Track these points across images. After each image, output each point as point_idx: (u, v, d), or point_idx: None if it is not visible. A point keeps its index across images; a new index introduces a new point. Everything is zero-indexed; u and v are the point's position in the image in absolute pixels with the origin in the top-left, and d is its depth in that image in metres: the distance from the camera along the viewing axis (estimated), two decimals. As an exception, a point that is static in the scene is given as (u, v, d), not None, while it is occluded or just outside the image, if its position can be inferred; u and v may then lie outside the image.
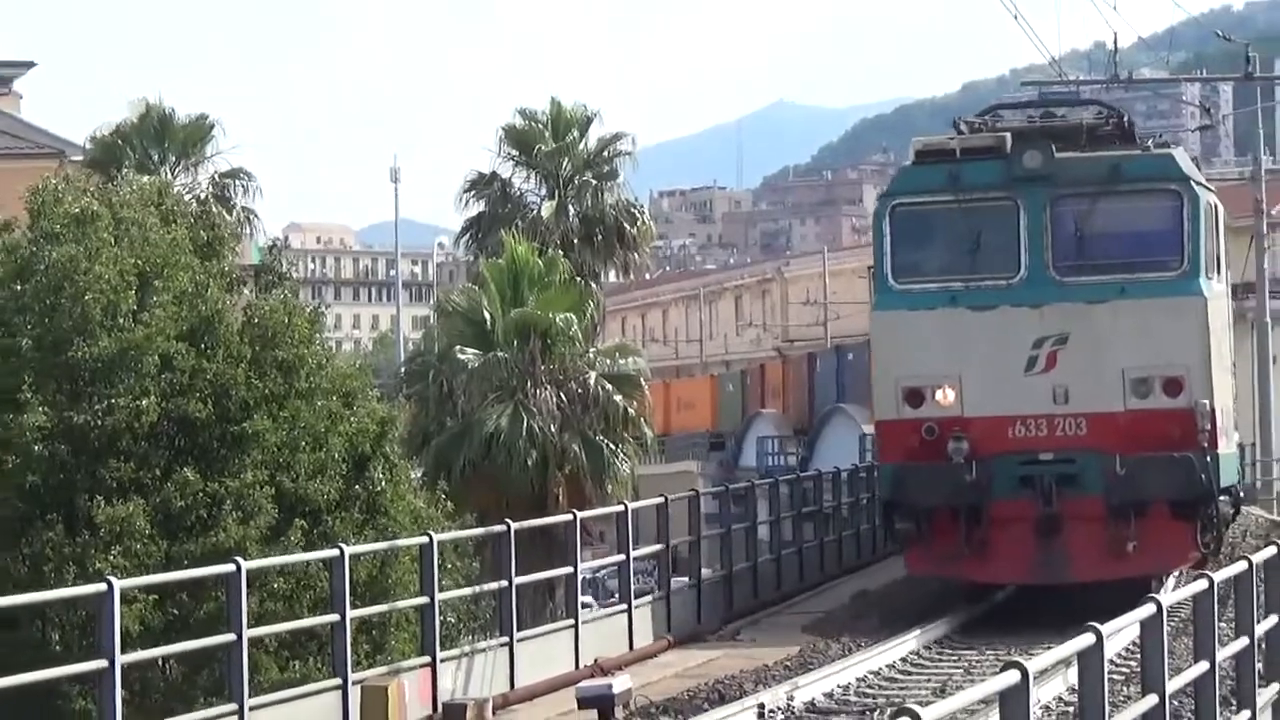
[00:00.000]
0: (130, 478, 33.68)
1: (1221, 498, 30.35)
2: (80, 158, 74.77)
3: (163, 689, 25.65)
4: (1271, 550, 22.15)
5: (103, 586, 21.20)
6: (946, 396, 29.38)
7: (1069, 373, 28.97)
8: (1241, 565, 19.89)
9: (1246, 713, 19.66)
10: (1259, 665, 19.74)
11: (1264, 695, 20.01)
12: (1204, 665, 16.20)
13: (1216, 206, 31.05)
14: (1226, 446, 31.20)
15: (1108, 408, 28.75)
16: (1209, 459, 28.39)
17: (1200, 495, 28.77)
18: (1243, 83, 65.72)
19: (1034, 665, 9.81)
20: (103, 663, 20.55)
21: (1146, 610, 15.48)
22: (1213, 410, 28.35)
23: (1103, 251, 30.09)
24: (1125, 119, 30.44)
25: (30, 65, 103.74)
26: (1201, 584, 18.19)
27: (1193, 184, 28.93)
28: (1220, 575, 18.11)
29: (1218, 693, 18.79)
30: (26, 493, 33.54)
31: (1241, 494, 45.82)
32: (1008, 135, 29.40)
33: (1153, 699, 14.44)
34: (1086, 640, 13.04)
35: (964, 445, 28.58)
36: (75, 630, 25.72)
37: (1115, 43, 48.89)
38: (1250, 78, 62.51)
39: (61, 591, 25.91)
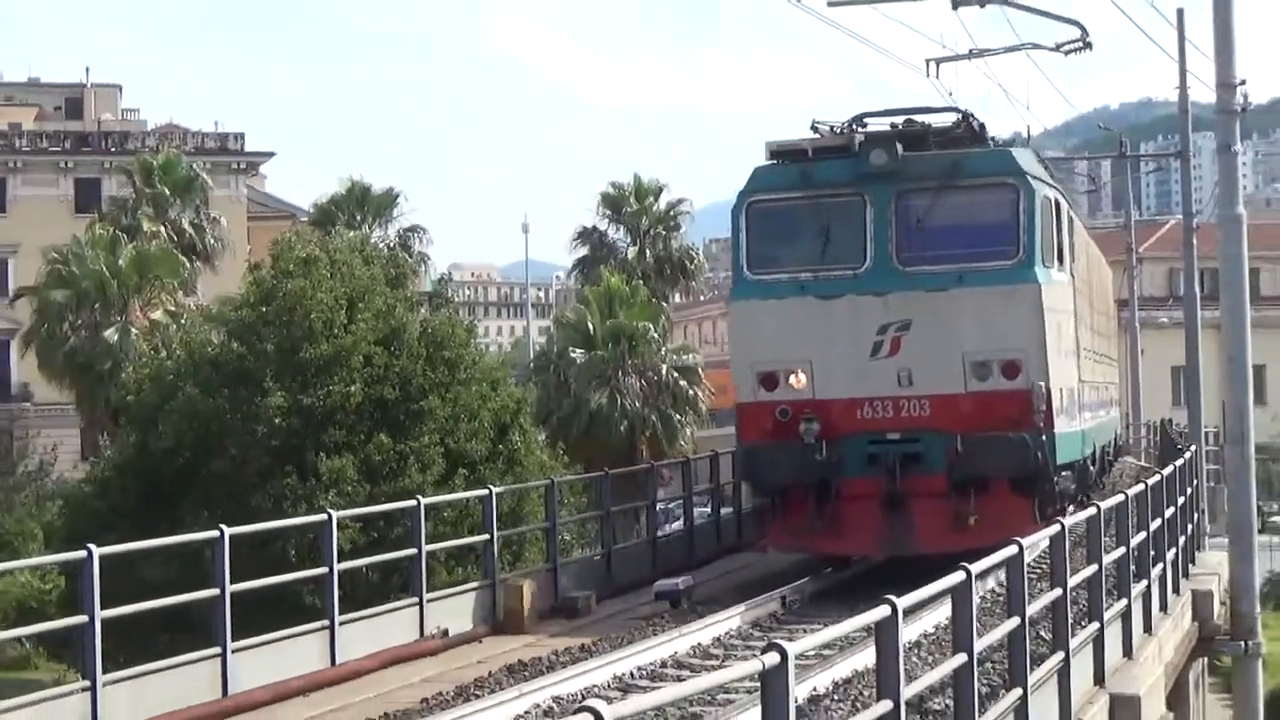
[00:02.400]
0: (343, 441, 34.26)
1: (1064, 473, 25.38)
2: (306, 218, 74.90)
3: (365, 589, 25.80)
4: (1118, 498, 20.72)
5: (324, 517, 21.54)
6: (799, 380, 24.27)
7: (912, 357, 23.91)
8: (1090, 511, 18.76)
9: (1095, 624, 19.40)
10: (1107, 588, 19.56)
11: (1111, 610, 19.77)
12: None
13: (1058, 202, 25.60)
14: (1067, 426, 25.64)
15: (950, 390, 23.78)
16: (1044, 438, 23.72)
17: (1036, 472, 23.94)
18: (1117, 159, 65.69)
19: (795, 648, 8.28)
20: (324, 570, 20.71)
21: (1008, 552, 14.09)
22: (1049, 392, 23.66)
23: (944, 242, 24.54)
24: (976, 123, 25.24)
25: (271, 155, 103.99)
26: (1054, 528, 16.86)
27: (1029, 179, 24.04)
28: (1070, 520, 17.07)
29: (1069, 615, 18.51)
30: (271, 452, 33.99)
31: (1110, 457, 40.94)
32: (857, 136, 24.37)
33: (1014, 620, 13.35)
34: (919, 597, 12.59)
35: (815, 426, 23.71)
36: (306, 549, 25.81)
37: (1028, 132, 47.90)
38: (1122, 155, 63.35)
39: (296, 520, 25.96)
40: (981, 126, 25.16)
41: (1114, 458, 41.51)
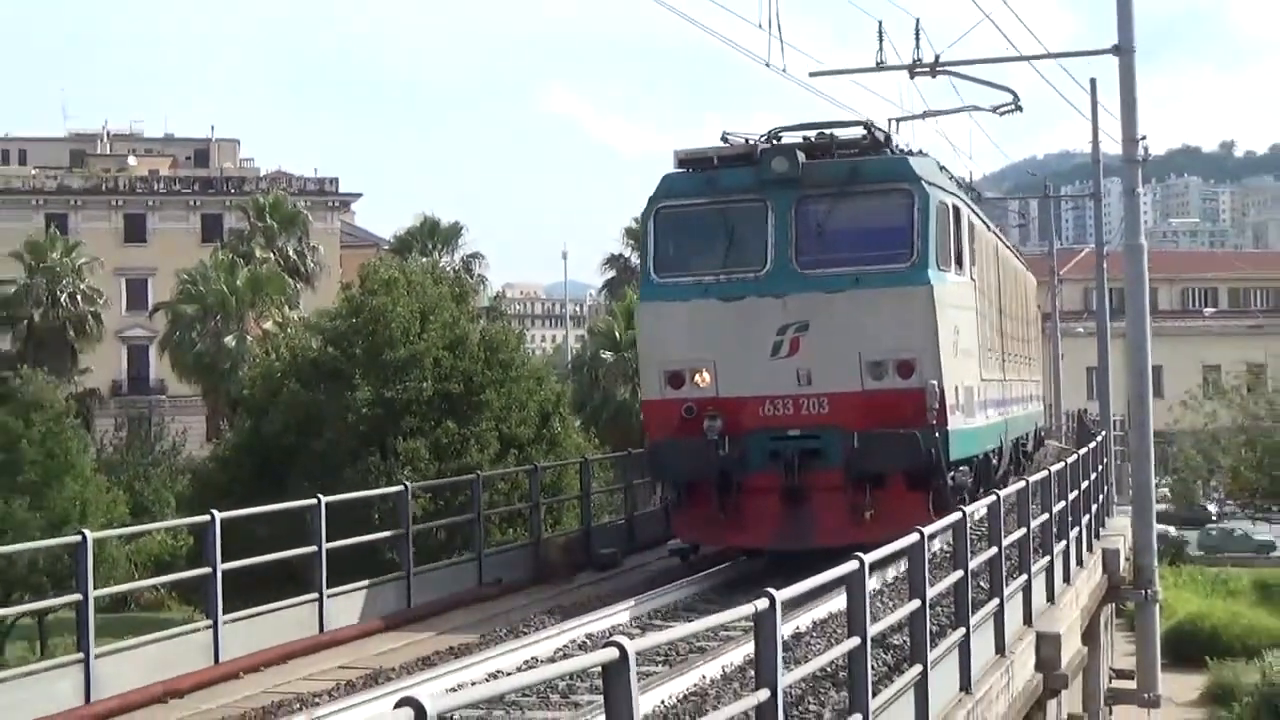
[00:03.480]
0: (416, 427, 34.66)
1: (962, 468, 21.97)
2: (388, 247, 75.12)
3: (434, 547, 25.81)
4: (1019, 484, 19.11)
5: (401, 488, 21.51)
6: (703, 379, 21.10)
7: (811, 357, 20.65)
8: (991, 498, 17.91)
9: (1024, 576, 19.30)
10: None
11: (1037, 565, 19.69)
12: (851, 641, 13.52)
13: (956, 209, 22.11)
14: (964, 423, 22.19)
15: (847, 388, 20.55)
16: (937, 435, 20.47)
17: (929, 468, 20.63)
18: (1042, 199, 65.71)
19: (634, 646, 7.10)
20: (401, 531, 20.73)
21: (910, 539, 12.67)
22: (943, 391, 20.40)
23: (842, 246, 21.40)
24: (882, 134, 22.21)
25: (359, 195, 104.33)
26: (957, 515, 15.12)
27: (924, 184, 20.86)
28: (972, 507, 14.70)
29: (1004, 570, 18.37)
30: (359, 436, 34.32)
31: (1028, 447, 35.85)
32: (760, 145, 21.47)
33: (915, 602, 12.19)
34: (799, 589, 12.32)
35: (718, 423, 20.62)
36: (386, 514, 25.84)
37: (970, 177, 47.72)
38: (1046, 196, 63.59)
39: (379, 491, 26.05)
40: (887, 137, 22.24)
41: (1033, 446, 37.46)
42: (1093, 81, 43.31)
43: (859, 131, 21.78)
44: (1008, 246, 33.48)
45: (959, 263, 21.91)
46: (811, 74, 28.86)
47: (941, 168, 22.93)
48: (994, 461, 25.42)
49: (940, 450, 20.16)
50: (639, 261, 24.34)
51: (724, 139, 21.48)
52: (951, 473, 20.84)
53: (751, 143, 21.43)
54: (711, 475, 20.67)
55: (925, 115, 32.02)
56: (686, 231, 21.75)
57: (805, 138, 21.41)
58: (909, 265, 20.33)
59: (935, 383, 20.00)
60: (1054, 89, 52.95)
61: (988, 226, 27.12)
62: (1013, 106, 31.63)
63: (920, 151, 24.20)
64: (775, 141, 21.58)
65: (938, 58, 28.94)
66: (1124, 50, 26.80)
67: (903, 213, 20.57)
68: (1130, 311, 27.95)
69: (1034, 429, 36.75)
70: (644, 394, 22.20)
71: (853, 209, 21.09)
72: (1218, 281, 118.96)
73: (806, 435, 20.54)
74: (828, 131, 21.91)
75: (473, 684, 13.72)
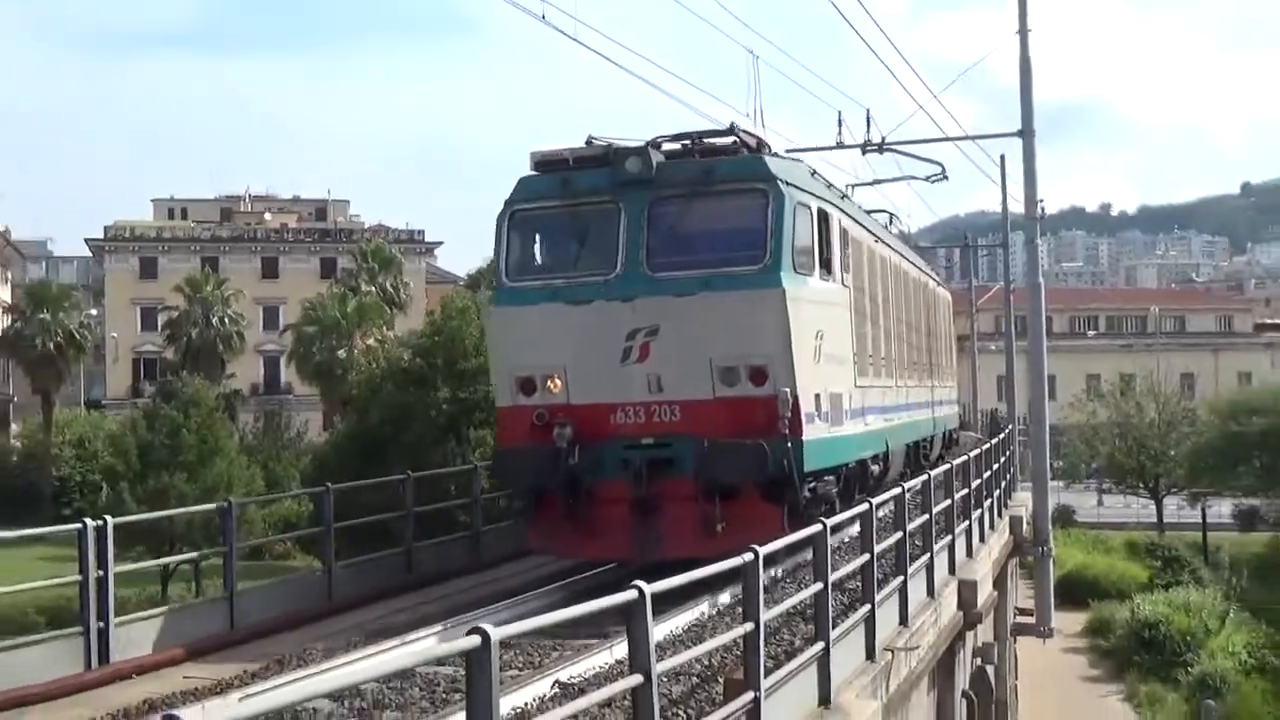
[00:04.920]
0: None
1: (827, 477, 17.15)
2: (462, 283, 75.15)
3: (496, 512, 25.64)
4: (923, 477, 16.70)
5: (471, 467, 21.49)
6: (555, 385, 16.89)
7: (661, 363, 16.43)
8: (895, 490, 16.13)
9: (949, 535, 19.25)
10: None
11: (960, 527, 19.67)
12: (865, 557, 12.47)
13: (824, 213, 17.55)
14: (825, 432, 17.24)
15: (699, 395, 16.27)
16: (790, 445, 15.96)
17: (782, 478, 15.98)
18: (963, 247, 65.70)
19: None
20: (471, 499, 20.74)
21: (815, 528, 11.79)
22: (797, 398, 16.02)
23: (694, 248, 17.20)
24: (753, 140, 17.51)
25: (441, 243, 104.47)
26: (816, 527, 11.60)
27: (780, 184, 16.52)
28: (834, 521, 11.01)
29: (934, 532, 18.29)
30: (440, 427, 34.51)
31: (929, 450, 28.25)
32: (615, 146, 17.13)
33: (819, 586, 10.81)
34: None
35: (568, 430, 16.37)
36: (461, 486, 25.77)
37: (909, 230, 47.43)
38: (966, 245, 63.61)
39: (454, 469, 26.07)
40: (759, 143, 17.37)
41: (943, 446, 30.70)
42: (1002, 157, 43.20)
43: (730, 139, 17.11)
44: (919, 267, 28.50)
45: (826, 268, 16.97)
46: (787, 151, 28.83)
47: (814, 174, 18.04)
48: (874, 468, 19.72)
49: (793, 460, 15.27)
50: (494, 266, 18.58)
51: (588, 142, 16.74)
52: (814, 483, 16.03)
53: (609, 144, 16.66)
54: (562, 484, 15.93)
55: (874, 183, 32.00)
56: (540, 234, 17.24)
57: (683, 144, 16.68)
58: (761, 268, 15.55)
59: (788, 390, 15.25)
60: (972, 162, 52.89)
61: (880, 239, 21.95)
62: (941, 176, 31.68)
63: (795, 157, 19.22)
64: (654, 148, 16.78)
65: (883, 139, 28.94)
66: (1026, 133, 26.79)
67: (757, 213, 15.82)
68: (1030, 333, 28.05)
69: (943, 431, 30.64)
70: (497, 400, 17.23)
71: (707, 210, 16.36)
72: (1098, 311, 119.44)
73: (659, 444, 15.84)
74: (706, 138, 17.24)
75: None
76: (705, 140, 16.53)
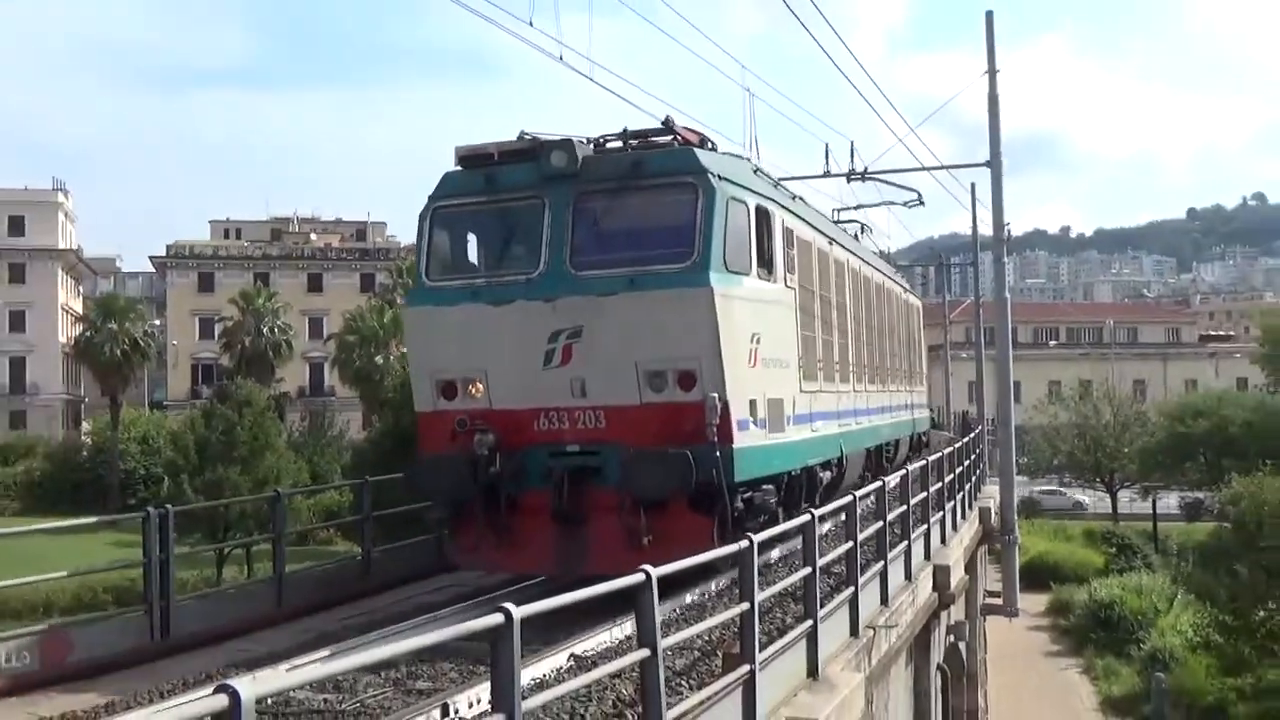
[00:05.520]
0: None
1: (765, 487, 14.20)
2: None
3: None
4: (875, 485, 14.22)
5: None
6: (477, 389, 14.46)
7: (585, 366, 13.89)
8: (875, 484, 15.93)
9: (925, 525, 19.19)
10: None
11: (935, 517, 19.61)
12: (848, 544, 11.95)
13: (764, 210, 14.78)
14: (760, 440, 14.31)
15: (625, 401, 13.72)
16: (718, 454, 13.21)
17: (711, 489, 13.27)
18: (938, 266, 65.75)
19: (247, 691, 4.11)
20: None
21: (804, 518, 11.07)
22: (727, 404, 13.33)
23: (620, 245, 14.54)
24: (696, 137, 14.79)
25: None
26: (846, 501, 12.91)
27: (711, 177, 13.81)
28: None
29: (910, 521, 18.25)
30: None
31: (894, 452, 25.51)
32: (541, 139, 14.57)
33: (808, 570, 10.70)
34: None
35: (490, 437, 13.88)
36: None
37: (889, 250, 47.19)
38: (940, 264, 63.57)
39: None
40: (703, 140, 14.62)
41: (909, 449, 27.89)
42: (972, 185, 43.10)
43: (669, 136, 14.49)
44: (886, 274, 25.75)
45: (766, 267, 14.41)
46: (780, 180, 28.82)
47: (757, 171, 15.59)
48: (825, 474, 16.98)
49: (722, 470, 12.74)
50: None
51: (521, 137, 14.29)
52: (750, 493, 13.45)
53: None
54: (484, 494, 13.46)
55: (858, 208, 31.94)
56: (463, 232, 14.72)
57: (630, 145, 14.20)
58: (689, 265, 13.03)
59: (716, 395, 12.76)
60: (946, 190, 52.57)
61: (836, 242, 18.93)
62: (918, 201, 31.71)
63: (737, 154, 16.17)
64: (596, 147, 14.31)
65: (866, 168, 28.97)
66: (994, 164, 26.80)
67: (686, 208, 13.27)
68: (998, 343, 27.99)
69: (911, 434, 27.71)
70: (417, 405, 14.50)
71: (634, 205, 13.80)
72: (1058, 323, 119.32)
73: (586, 452, 13.36)
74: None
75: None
76: (646, 139, 14.08)
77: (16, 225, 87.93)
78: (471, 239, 14.67)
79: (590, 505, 13.12)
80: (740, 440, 12.99)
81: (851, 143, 28.75)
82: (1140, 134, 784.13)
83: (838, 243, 19.12)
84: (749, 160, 15.52)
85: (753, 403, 13.50)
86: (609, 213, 13.76)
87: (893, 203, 32.56)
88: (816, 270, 16.94)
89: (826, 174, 28.58)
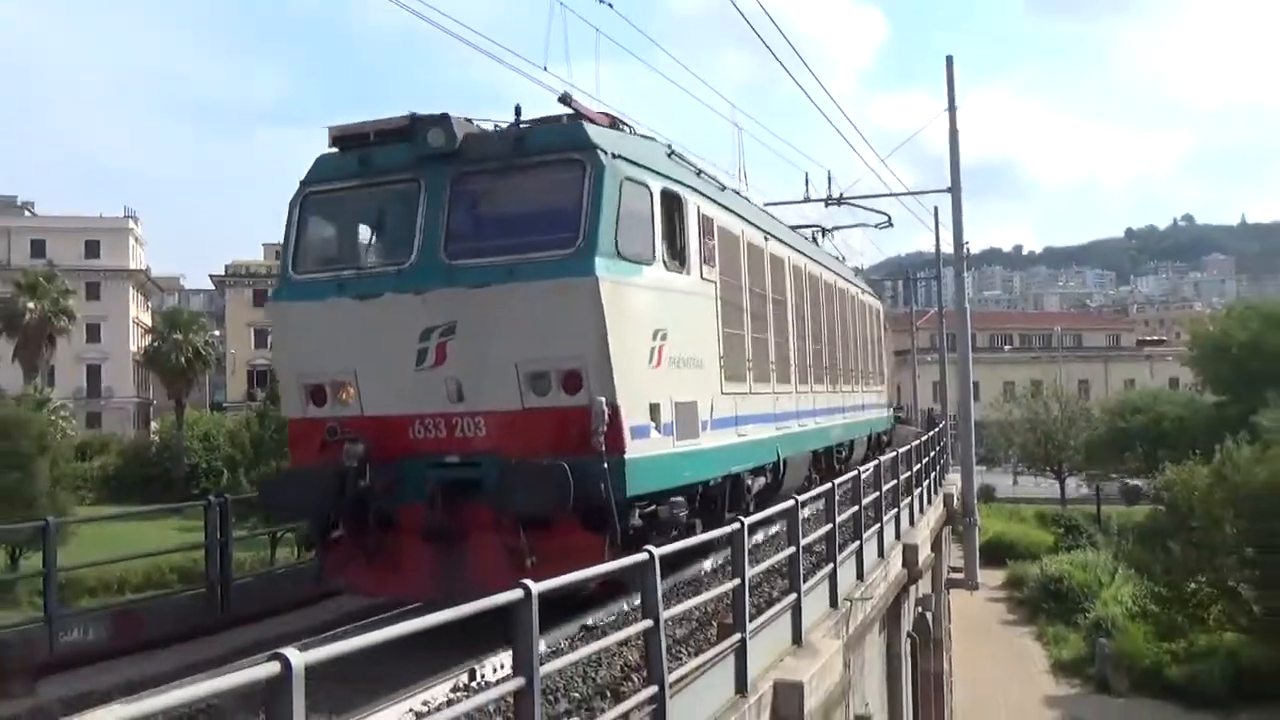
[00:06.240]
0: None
1: (675, 498, 11.06)
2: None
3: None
4: (853, 473, 14.51)
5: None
6: (348, 394, 11.04)
7: (461, 367, 10.45)
8: (849, 474, 15.43)
9: (895, 509, 19.11)
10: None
11: (904, 502, 19.57)
12: (790, 549, 11.09)
13: (677, 196, 11.52)
14: (667, 448, 10.82)
15: (506, 406, 10.32)
16: (606, 465, 9.81)
17: (599, 504, 9.82)
18: (905, 280, 65.79)
19: (297, 659, 3.98)
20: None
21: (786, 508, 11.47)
22: (617, 409, 9.94)
23: (500, 231, 10.87)
24: (605, 119, 11.54)
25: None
26: (827, 487, 12.51)
27: (600, 153, 10.34)
28: (662, 551, 7.59)
29: (883, 502, 18.14)
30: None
31: (845, 453, 21.07)
32: (420, 117, 10.99)
33: (792, 549, 10.47)
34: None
35: (359, 447, 10.64)
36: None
37: (863, 266, 47.32)
38: (907, 278, 63.59)
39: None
40: (614, 122, 11.70)
41: (868, 449, 23.97)
42: (935, 209, 43.34)
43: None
44: (841, 275, 22.48)
45: (677, 258, 11.53)
46: (765, 204, 28.90)
47: (672, 154, 12.41)
48: (756, 481, 14.01)
49: (610, 483, 9.85)
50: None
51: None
52: (651, 506, 10.68)
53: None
54: (354, 510, 10.57)
55: (835, 229, 31.96)
56: (334, 219, 11.68)
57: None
58: (572, 252, 10.15)
59: (603, 399, 9.91)
60: (912, 213, 52.67)
61: (774, 237, 15.80)
62: (887, 223, 31.69)
63: (649, 135, 12.68)
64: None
65: (841, 194, 29.09)
66: (954, 190, 26.85)
67: (571, 188, 10.40)
68: (959, 348, 28.02)
69: (869, 434, 24.22)
70: (286, 411, 11.58)
71: (516, 186, 10.89)
72: (1012, 330, 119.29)
73: (467, 463, 10.45)
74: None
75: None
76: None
77: (93, 249, 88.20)
78: (343, 227, 11.66)
79: (469, 523, 10.14)
80: (635, 449, 10.08)
81: (829, 172, 28.98)
82: (1083, 163, 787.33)
83: (777, 238, 15.90)
84: (665, 144, 12.40)
85: (655, 407, 10.57)
86: (489, 195, 10.81)
87: (865, 224, 32.56)
88: (747, 265, 13.88)
89: (807, 199, 28.66)
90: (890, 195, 31.15)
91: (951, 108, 26.55)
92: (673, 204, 11.43)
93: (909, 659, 19.95)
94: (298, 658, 4.02)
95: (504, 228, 10.74)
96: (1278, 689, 29.44)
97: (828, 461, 19.33)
